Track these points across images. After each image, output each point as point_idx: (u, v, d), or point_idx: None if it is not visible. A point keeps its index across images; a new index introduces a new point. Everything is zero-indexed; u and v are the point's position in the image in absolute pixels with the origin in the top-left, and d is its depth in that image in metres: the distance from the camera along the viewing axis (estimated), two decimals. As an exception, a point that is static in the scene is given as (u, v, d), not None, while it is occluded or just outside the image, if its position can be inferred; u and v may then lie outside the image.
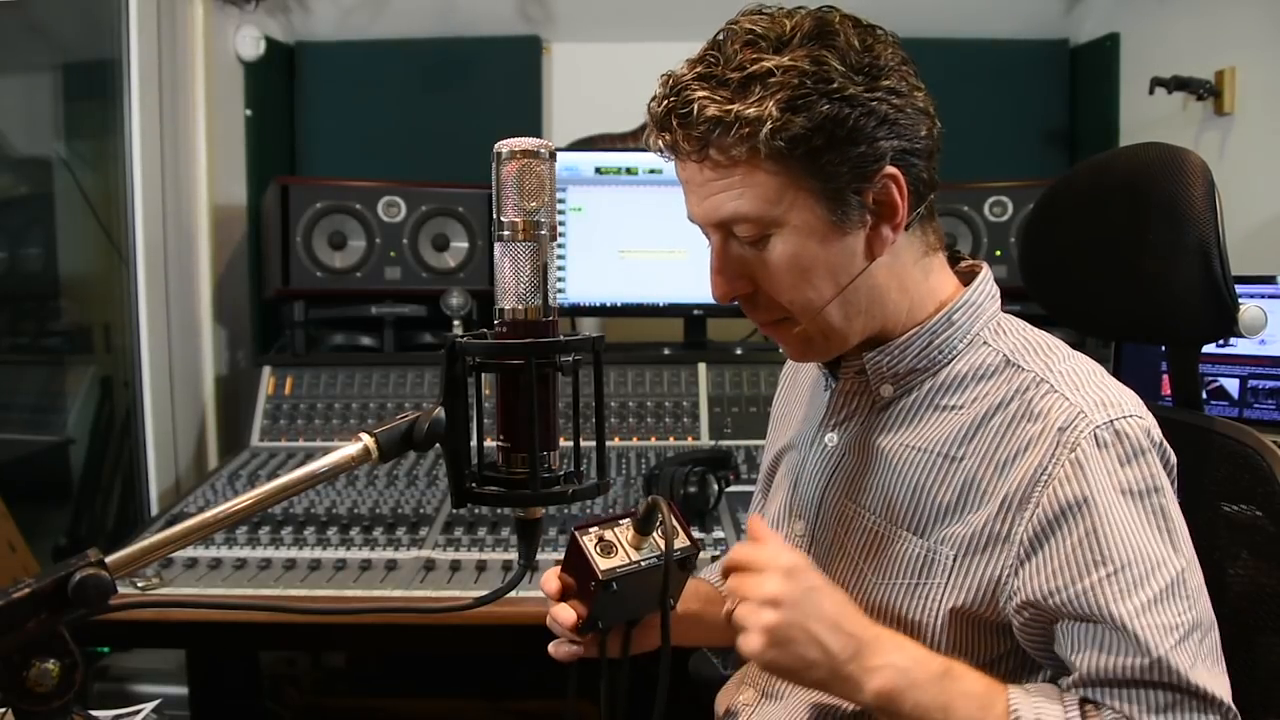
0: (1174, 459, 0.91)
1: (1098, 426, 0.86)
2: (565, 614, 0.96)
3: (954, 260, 1.03)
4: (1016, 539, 0.87)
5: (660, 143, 0.92)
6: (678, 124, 0.88)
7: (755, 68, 0.85)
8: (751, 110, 0.84)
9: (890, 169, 0.89)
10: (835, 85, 0.85)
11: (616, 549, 0.91)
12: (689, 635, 1.14)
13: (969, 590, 0.90)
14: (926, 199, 0.95)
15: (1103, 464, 0.85)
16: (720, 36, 0.90)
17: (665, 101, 0.89)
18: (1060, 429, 0.86)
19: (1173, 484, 0.90)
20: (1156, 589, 0.83)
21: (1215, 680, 0.83)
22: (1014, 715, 0.83)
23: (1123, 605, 0.82)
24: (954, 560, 0.91)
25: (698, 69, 0.88)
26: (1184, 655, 0.82)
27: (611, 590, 0.91)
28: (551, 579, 0.98)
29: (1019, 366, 0.93)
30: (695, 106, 0.86)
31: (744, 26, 0.89)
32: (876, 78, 0.87)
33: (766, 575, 0.85)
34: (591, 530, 0.92)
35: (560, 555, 0.97)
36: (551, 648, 1.03)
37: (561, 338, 0.79)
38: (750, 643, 0.84)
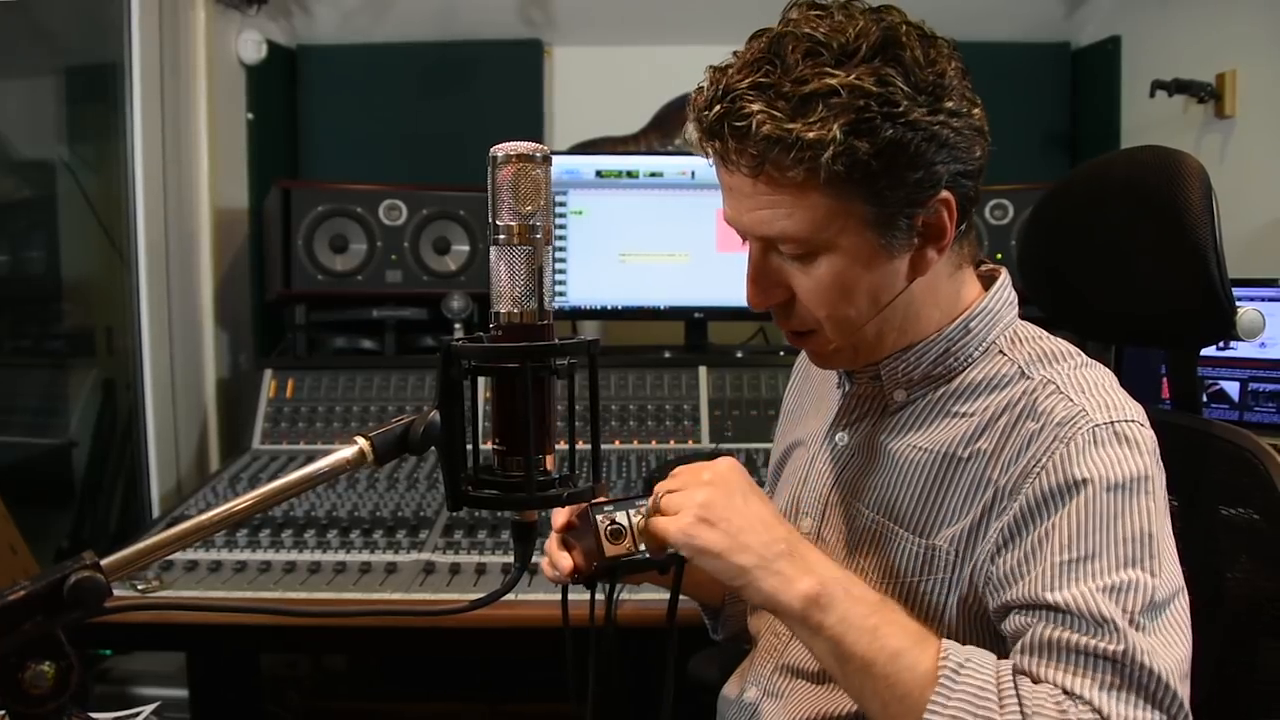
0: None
1: (1097, 425, 0.85)
2: (564, 561, 0.97)
3: (975, 263, 1.02)
4: (998, 528, 0.87)
5: (709, 149, 0.89)
6: (730, 135, 0.84)
7: (818, 84, 0.81)
8: (813, 133, 0.81)
9: (944, 193, 0.88)
10: (900, 109, 0.82)
11: (625, 534, 0.93)
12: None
13: (963, 584, 0.90)
14: (969, 215, 0.94)
15: (1095, 456, 0.84)
16: (777, 39, 0.85)
17: (716, 107, 0.85)
18: (1059, 424, 0.86)
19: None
20: (1123, 579, 0.80)
21: (1177, 679, 0.78)
22: (944, 653, 0.80)
23: (1086, 584, 0.80)
24: (956, 555, 0.91)
25: (754, 76, 0.83)
26: (1141, 640, 0.78)
27: (610, 572, 0.95)
28: (561, 514, 0.98)
29: (1030, 377, 0.92)
30: (752, 122, 0.82)
31: (804, 30, 0.84)
32: (940, 98, 0.85)
33: (707, 467, 0.89)
34: (605, 509, 0.94)
35: None
36: (545, 569, 1.02)
37: (557, 341, 0.79)
38: (679, 521, 0.85)
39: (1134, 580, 0.80)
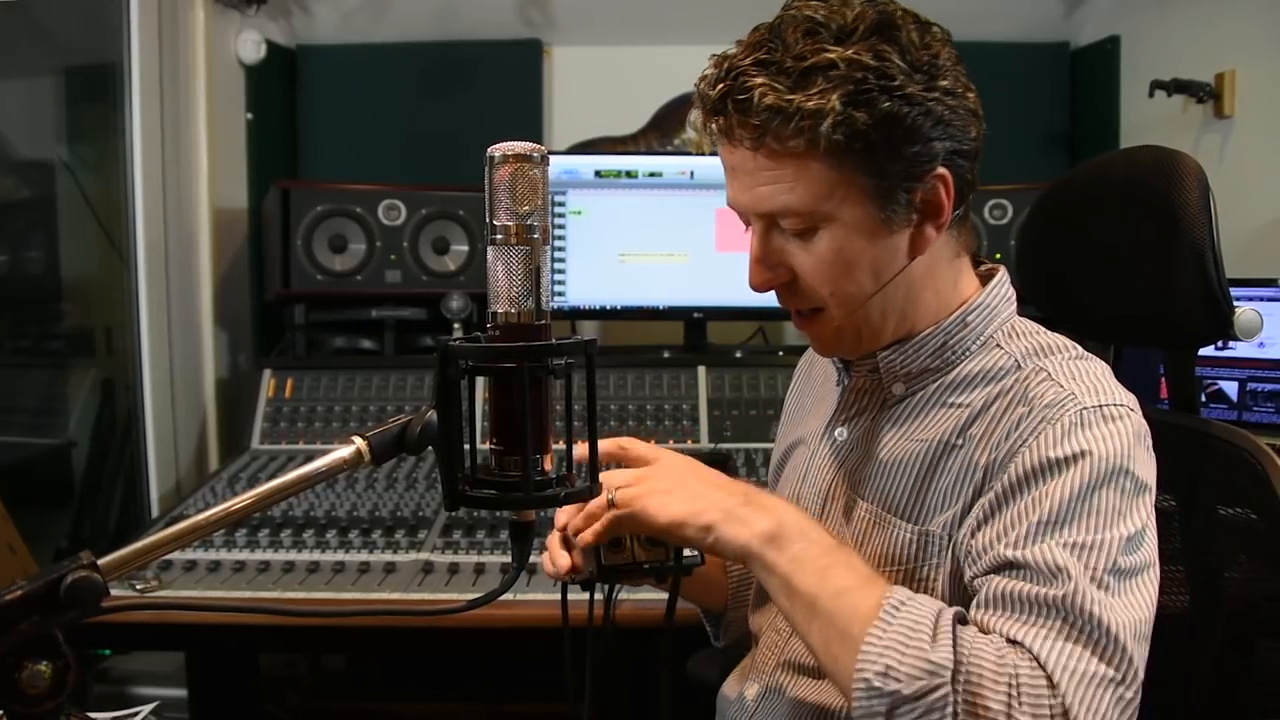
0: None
1: (1085, 408, 0.86)
2: (563, 559, 0.98)
3: (974, 264, 1.03)
4: (980, 504, 0.87)
5: (713, 126, 0.91)
6: (734, 110, 0.87)
7: (817, 58, 0.84)
8: (813, 103, 0.84)
9: (940, 169, 0.90)
10: (897, 83, 0.85)
11: (625, 546, 0.95)
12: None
13: (950, 559, 0.91)
14: (966, 199, 0.95)
15: (1081, 436, 0.84)
16: (778, 22, 0.88)
17: (720, 85, 0.88)
18: (1047, 405, 0.86)
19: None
20: (1091, 539, 0.79)
21: (1131, 637, 0.77)
22: (889, 593, 0.81)
23: (1049, 541, 0.79)
24: (949, 538, 0.91)
25: (756, 55, 0.86)
26: (1096, 593, 0.77)
27: (606, 579, 0.96)
28: (562, 514, 0.99)
29: (1025, 368, 0.92)
30: (755, 94, 0.85)
31: (803, 14, 0.87)
32: (934, 77, 0.87)
33: (659, 460, 0.93)
34: None
35: None
36: (545, 565, 1.03)
37: (554, 341, 0.79)
38: (647, 501, 0.88)
39: (1102, 540, 0.80)
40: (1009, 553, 0.81)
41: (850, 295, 0.94)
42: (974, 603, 0.82)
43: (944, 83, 0.88)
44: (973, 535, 0.87)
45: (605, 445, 0.94)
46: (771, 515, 0.86)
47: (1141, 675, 0.78)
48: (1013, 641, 0.77)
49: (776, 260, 0.94)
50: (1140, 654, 0.78)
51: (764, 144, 0.87)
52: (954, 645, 0.76)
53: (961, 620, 0.80)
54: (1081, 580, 0.78)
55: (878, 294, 0.94)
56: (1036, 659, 0.75)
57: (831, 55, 0.84)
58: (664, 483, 0.90)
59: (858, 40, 0.85)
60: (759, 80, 0.85)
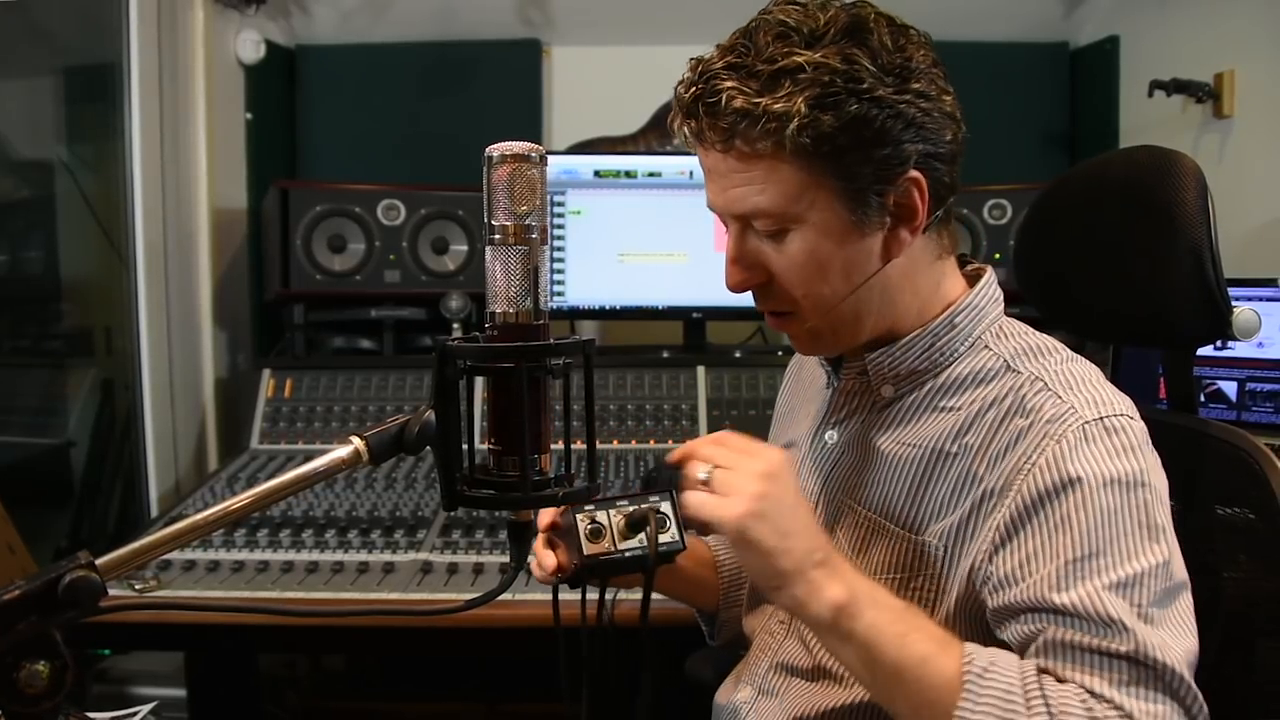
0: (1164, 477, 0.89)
1: (1087, 422, 0.86)
2: (549, 560, 0.98)
3: (961, 264, 1.03)
4: (993, 526, 0.87)
5: (686, 129, 0.92)
6: (704, 112, 0.88)
7: (786, 61, 0.85)
8: (779, 105, 0.85)
9: (913, 172, 0.89)
10: (865, 85, 0.85)
11: (605, 534, 0.93)
12: (667, 587, 1.17)
13: (960, 583, 0.90)
14: (945, 202, 0.95)
15: (1088, 453, 0.84)
16: (752, 26, 0.89)
17: (693, 88, 0.89)
18: (1049, 421, 0.86)
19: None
20: (1129, 573, 0.80)
21: (1187, 668, 0.79)
22: (968, 657, 0.81)
23: (1092, 583, 0.80)
24: (945, 552, 0.91)
25: (728, 58, 0.88)
26: (1152, 634, 0.79)
27: (591, 571, 0.94)
28: (547, 514, 0.99)
29: (1017, 370, 0.93)
30: (723, 97, 0.86)
31: (777, 17, 0.88)
32: (906, 80, 0.87)
33: (763, 454, 0.85)
34: (586, 509, 0.93)
35: None
36: (535, 570, 1.02)
37: (552, 341, 0.79)
38: (735, 508, 0.81)
39: (1140, 573, 0.81)
40: (1052, 596, 0.81)
41: (822, 297, 0.94)
42: (1032, 649, 0.83)
43: (916, 85, 0.88)
44: (990, 560, 0.87)
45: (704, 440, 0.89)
46: (842, 582, 0.83)
47: (1203, 700, 0.80)
48: (1091, 692, 0.78)
49: (752, 260, 0.95)
50: (1194, 687, 0.80)
51: (733, 146, 0.88)
52: (1047, 709, 0.77)
53: (1039, 670, 0.80)
54: (1138, 628, 0.79)
55: (851, 296, 0.94)
56: (1121, 709, 0.77)
57: (800, 59, 0.85)
58: (766, 492, 0.82)
59: (827, 44, 0.86)
60: (728, 84, 0.86)
